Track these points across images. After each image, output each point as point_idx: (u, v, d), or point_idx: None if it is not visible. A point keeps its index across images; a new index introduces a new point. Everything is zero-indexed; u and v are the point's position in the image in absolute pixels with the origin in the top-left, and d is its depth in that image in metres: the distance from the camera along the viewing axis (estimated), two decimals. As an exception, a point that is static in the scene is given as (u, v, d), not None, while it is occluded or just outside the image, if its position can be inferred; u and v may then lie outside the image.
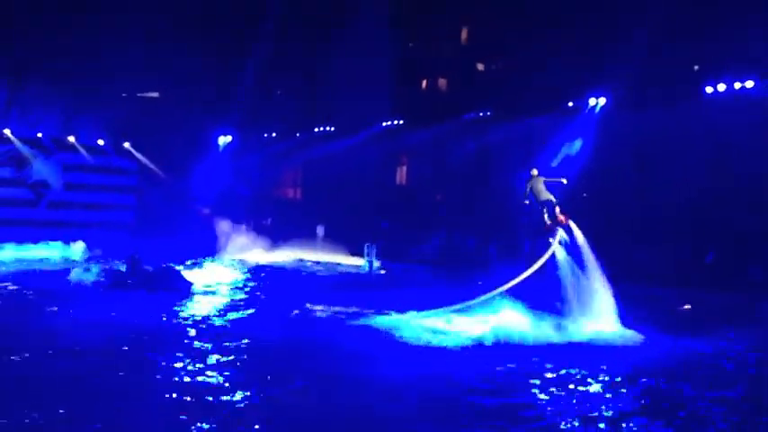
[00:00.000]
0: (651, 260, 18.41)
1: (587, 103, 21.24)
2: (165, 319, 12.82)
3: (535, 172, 14.22)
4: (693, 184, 18.56)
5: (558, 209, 13.82)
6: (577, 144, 21.26)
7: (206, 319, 12.88)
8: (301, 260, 23.97)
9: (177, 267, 17.67)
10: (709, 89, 18.34)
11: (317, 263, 23.46)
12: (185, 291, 15.65)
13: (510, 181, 22.17)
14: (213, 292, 16.23)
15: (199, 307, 14.16)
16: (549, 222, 13.76)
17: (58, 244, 24.53)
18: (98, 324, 11.83)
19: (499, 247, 22.16)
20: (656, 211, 19.29)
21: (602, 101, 21.01)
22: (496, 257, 21.86)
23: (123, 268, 16.82)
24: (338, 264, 23.27)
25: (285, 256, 24.50)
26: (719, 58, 18.06)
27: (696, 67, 19.41)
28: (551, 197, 13.84)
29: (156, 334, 11.40)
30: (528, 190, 14.10)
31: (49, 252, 23.57)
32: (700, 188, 18.47)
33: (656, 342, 11.59)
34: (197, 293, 15.76)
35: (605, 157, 20.49)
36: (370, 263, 22.11)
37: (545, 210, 13.85)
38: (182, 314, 13.25)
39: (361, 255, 22.88)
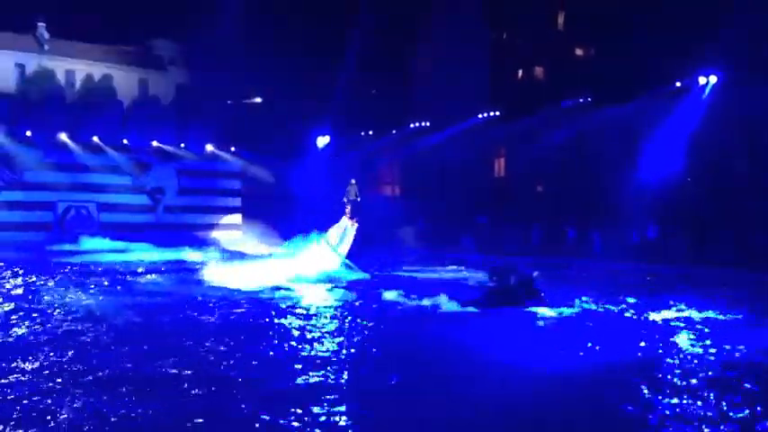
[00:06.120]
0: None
1: (697, 82, 19.98)
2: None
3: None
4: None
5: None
6: None
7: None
8: None
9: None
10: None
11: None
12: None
13: (614, 168, 21.26)
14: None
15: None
16: None
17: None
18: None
19: (602, 237, 21.31)
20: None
21: (713, 79, 19.69)
22: (599, 248, 21.04)
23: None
24: None
25: None
26: None
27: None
28: None
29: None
30: None
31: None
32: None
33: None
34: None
35: (718, 139, 19.19)
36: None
37: None
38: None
39: (460, 248, 22.59)
